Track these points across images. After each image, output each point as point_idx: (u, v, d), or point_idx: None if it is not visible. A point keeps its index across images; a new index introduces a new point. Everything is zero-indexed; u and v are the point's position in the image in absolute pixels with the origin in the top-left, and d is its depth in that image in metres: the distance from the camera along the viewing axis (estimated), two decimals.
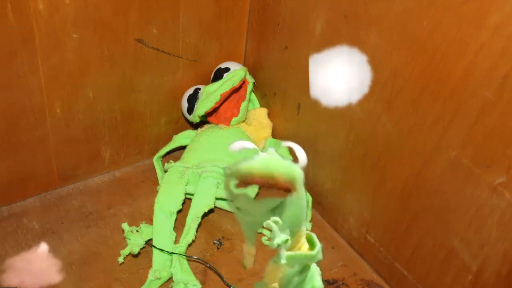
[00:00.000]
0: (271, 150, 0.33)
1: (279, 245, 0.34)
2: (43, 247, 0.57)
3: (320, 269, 0.40)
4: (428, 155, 0.48)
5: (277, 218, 0.34)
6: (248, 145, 0.35)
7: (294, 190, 0.34)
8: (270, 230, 0.35)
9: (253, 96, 0.72)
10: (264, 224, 0.35)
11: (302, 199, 0.35)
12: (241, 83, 0.66)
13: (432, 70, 0.46)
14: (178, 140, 0.70)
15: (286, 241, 0.34)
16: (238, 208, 0.37)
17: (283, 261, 0.35)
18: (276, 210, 0.37)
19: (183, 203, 0.59)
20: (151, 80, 0.65)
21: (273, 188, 0.33)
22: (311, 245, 0.37)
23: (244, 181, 0.33)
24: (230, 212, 0.64)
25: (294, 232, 0.36)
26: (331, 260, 0.59)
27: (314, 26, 0.58)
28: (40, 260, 0.56)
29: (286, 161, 0.33)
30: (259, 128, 0.69)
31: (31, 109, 0.57)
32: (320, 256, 0.37)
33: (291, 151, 0.36)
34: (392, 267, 0.56)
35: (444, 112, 0.45)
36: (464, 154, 0.45)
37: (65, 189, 0.65)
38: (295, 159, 0.34)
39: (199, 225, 0.62)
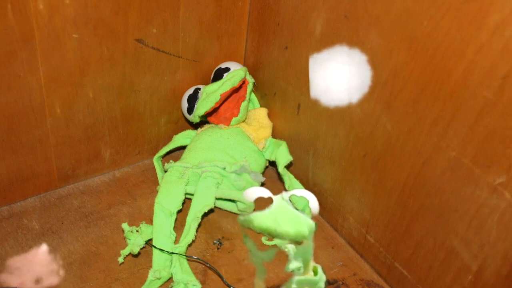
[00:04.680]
0: (285, 197, 0.34)
1: (292, 271, 0.36)
2: (43, 247, 0.57)
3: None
4: (428, 155, 0.48)
5: (293, 247, 0.36)
6: (263, 194, 0.36)
7: (304, 242, 0.34)
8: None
9: (253, 96, 0.72)
10: (282, 247, 0.36)
11: (310, 247, 0.36)
12: (241, 83, 0.66)
13: (432, 70, 0.46)
14: (178, 140, 0.70)
15: (299, 268, 0.36)
16: (251, 251, 0.38)
17: (294, 286, 0.37)
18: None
19: (183, 203, 0.59)
20: (151, 80, 0.65)
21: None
22: (316, 274, 0.39)
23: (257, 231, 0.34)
24: (230, 212, 0.64)
25: (305, 270, 0.37)
26: (331, 260, 0.59)
27: (314, 26, 0.58)
28: (40, 260, 0.56)
29: (297, 217, 0.33)
30: (259, 128, 0.69)
31: (31, 109, 0.57)
32: (322, 284, 0.38)
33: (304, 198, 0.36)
34: (392, 267, 0.56)
35: (444, 112, 0.45)
36: (464, 154, 0.45)
37: (65, 189, 0.65)
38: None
39: (199, 225, 0.62)
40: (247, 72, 0.68)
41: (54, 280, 0.54)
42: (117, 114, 0.65)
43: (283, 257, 0.37)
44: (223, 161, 0.62)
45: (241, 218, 0.34)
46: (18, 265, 0.55)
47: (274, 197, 0.34)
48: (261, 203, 0.36)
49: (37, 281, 0.53)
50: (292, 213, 0.33)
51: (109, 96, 0.63)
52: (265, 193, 0.36)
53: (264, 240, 0.60)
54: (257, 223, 0.33)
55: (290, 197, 0.36)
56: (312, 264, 0.38)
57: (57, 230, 0.60)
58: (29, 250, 0.57)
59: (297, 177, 0.66)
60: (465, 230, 0.46)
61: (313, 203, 0.35)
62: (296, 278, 0.37)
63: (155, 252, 0.55)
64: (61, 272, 0.55)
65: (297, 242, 0.34)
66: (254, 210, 0.35)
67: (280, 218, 0.33)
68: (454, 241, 0.48)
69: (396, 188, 0.53)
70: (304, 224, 0.33)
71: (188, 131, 0.71)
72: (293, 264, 0.36)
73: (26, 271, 0.54)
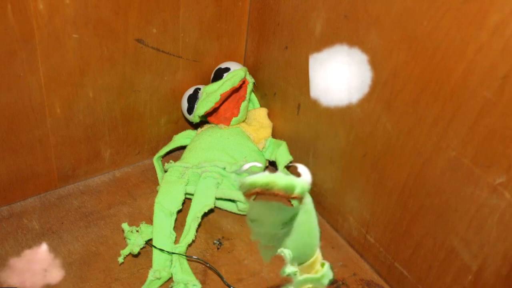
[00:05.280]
0: (278, 172, 0.35)
1: (288, 275, 0.37)
2: (43, 247, 0.57)
3: None
4: (428, 155, 0.48)
5: (289, 251, 0.37)
6: (256, 164, 0.38)
7: (299, 199, 0.35)
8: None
9: (253, 96, 0.72)
10: (278, 251, 0.37)
11: (310, 216, 0.36)
12: (241, 83, 0.66)
13: (432, 70, 0.46)
14: (178, 140, 0.70)
15: (295, 273, 0.37)
16: (251, 220, 0.38)
17: (291, 287, 0.38)
18: (287, 225, 0.38)
19: (183, 203, 0.59)
20: (151, 80, 0.65)
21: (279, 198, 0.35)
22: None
23: (250, 193, 0.35)
24: (230, 212, 0.64)
25: (306, 255, 0.37)
26: (331, 260, 0.59)
27: (314, 26, 0.58)
28: (40, 260, 0.56)
29: (288, 176, 0.34)
30: (259, 128, 0.69)
31: (31, 109, 0.57)
32: (325, 281, 0.39)
33: (296, 170, 0.37)
34: (392, 267, 0.56)
35: (444, 112, 0.45)
36: (464, 154, 0.45)
37: (65, 189, 0.65)
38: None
39: (199, 225, 0.62)
40: (247, 72, 0.68)
41: (54, 280, 0.54)
42: (117, 114, 0.65)
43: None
44: (223, 161, 0.62)
45: (238, 183, 0.35)
46: (18, 265, 0.55)
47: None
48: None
49: (37, 280, 0.53)
50: (283, 174, 0.34)
51: (109, 96, 0.63)
52: (258, 164, 0.38)
53: None
54: (250, 180, 0.34)
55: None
56: (320, 258, 0.38)
57: (57, 230, 0.60)
58: (29, 250, 0.57)
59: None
60: (465, 230, 0.46)
61: (304, 172, 0.36)
62: (296, 280, 0.37)
63: (155, 252, 0.55)
64: (61, 272, 0.55)
65: (289, 196, 0.34)
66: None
67: (273, 175, 0.34)
68: (454, 241, 0.48)
69: (396, 188, 0.53)
70: (295, 180, 0.34)
71: (188, 131, 0.71)
72: (289, 268, 0.37)
73: (26, 271, 0.54)
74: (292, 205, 0.38)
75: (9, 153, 0.58)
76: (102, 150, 0.66)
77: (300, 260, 0.38)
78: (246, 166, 0.37)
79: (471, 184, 0.45)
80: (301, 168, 0.36)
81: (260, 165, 0.38)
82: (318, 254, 0.39)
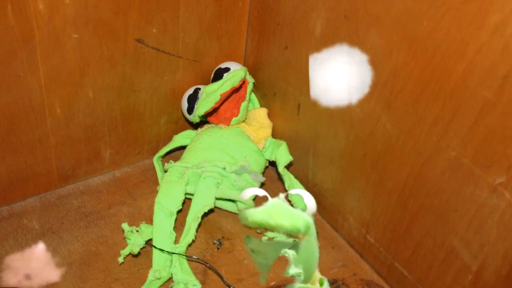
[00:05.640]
0: (281, 197, 0.34)
1: (292, 276, 0.37)
2: (43, 247, 0.57)
3: (320, 271, 0.40)
4: (428, 155, 0.48)
5: (293, 252, 0.36)
6: (258, 192, 0.36)
7: (302, 238, 0.35)
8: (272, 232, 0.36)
9: (253, 96, 0.72)
10: (282, 251, 0.36)
11: (312, 246, 0.36)
12: (241, 83, 0.66)
13: (432, 70, 0.46)
14: (178, 140, 0.70)
15: (299, 274, 0.36)
16: (252, 250, 0.38)
17: None
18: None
19: (183, 203, 0.59)
20: (151, 80, 0.65)
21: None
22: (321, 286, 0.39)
23: (253, 228, 0.34)
24: (230, 212, 0.64)
25: (307, 278, 0.37)
26: (331, 260, 0.59)
27: (314, 26, 0.58)
28: (39, 260, 0.56)
29: (292, 212, 0.34)
30: (259, 128, 0.69)
31: (31, 109, 0.57)
32: None
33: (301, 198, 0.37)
34: (392, 267, 0.56)
35: (444, 112, 0.45)
36: (464, 154, 0.45)
37: (65, 189, 0.65)
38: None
39: (199, 225, 0.62)
40: (247, 72, 0.68)
41: (53, 280, 0.54)
42: (117, 114, 0.65)
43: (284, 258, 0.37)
44: (223, 161, 0.62)
45: (239, 216, 0.34)
46: (18, 265, 0.54)
47: (271, 198, 0.34)
48: (258, 202, 0.36)
49: (36, 280, 0.53)
50: (287, 208, 0.33)
51: (109, 96, 0.63)
52: (261, 192, 0.37)
53: (264, 240, 0.60)
54: (251, 217, 0.33)
55: (288, 196, 0.36)
56: (318, 275, 0.38)
57: (57, 230, 0.60)
58: (29, 250, 0.57)
59: (297, 177, 0.66)
60: (465, 230, 0.46)
61: (308, 200, 0.35)
62: (297, 286, 0.37)
63: (155, 252, 0.55)
64: (61, 272, 0.55)
65: (294, 236, 0.34)
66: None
67: (275, 213, 0.33)
68: (454, 241, 0.48)
69: (396, 188, 0.53)
70: (299, 219, 0.33)
71: (188, 131, 0.71)
72: (293, 269, 0.36)
73: (25, 271, 0.54)
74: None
75: (9, 153, 0.58)
76: (102, 150, 0.66)
77: (301, 281, 0.38)
78: (248, 194, 0.36)
79: (471, 184, 0.45)
80: (307, 198, 0.35)
81: (262, 194, 0.37)
82: (317, 272, 0.39)
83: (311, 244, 0.37)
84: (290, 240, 0.37)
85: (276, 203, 0.34)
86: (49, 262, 0.56)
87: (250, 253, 0.39)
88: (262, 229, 0.33)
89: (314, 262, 0.38)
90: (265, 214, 0.33)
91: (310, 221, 0.33)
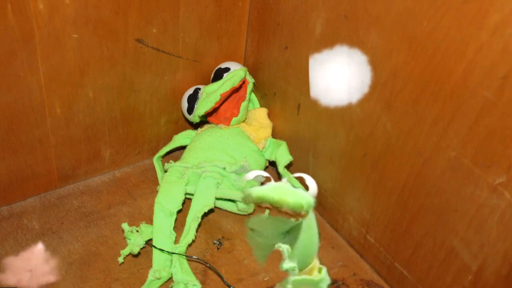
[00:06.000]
0: (284, 180, 0.35)
1: (286, 270, 0.37)
2: (43, 247, 0.57)
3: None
4: (428, 155, 0.48)
5: (288, 247, 0.36)
6: (262, 173, 0.37)
7: (303, 217, 0.35)
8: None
9: (253, 96, 0.72)
10: (276, 246, 0.37)
11: (312, 229, 0.36)
12: (241, 83, 0.66)
13: (432, 70, 0.46)
14: (178, 140, 0.70)
15: (293, 268, 0.37)
16: (252, 229, 0.38)
17: (289, 286, 0.37)
18: (288, 235, 0.38)
19: (183, 203, 0.59)
20: (151, 80, 0.65)
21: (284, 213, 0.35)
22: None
23: (256, 205, 0.35)
24: (230, 212, 0.64)
25: (306, 263, 0.37)
26: (331, 260, 0.59)
27: (314, 26, 0.58)
28: (39, 260, 0.56)
29: (296, 190, 0.34)
30: (259, 128, 0.69)
31: (31, 109, 0.57)
32: (323, 285, 0.39)
33: (302, 180, 0.37)
34: (392, 267, 0.56)
35: (444, 112, 0.45)
36: (464, 154, 0.45)
37: (65, 189, 0.65)
38: (306, 189, 0.36)
39: (199, 225, 0.62)
40: (247, 72, 0.68)
41: (53, 280, 0.54)
42: (117, 114, 0.65)
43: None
44: (223, 161, 0.62)
45: (243, 195, 0.34)
46: (18, 265, 0.54)
47: (273, 181, 0.35)
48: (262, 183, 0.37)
49: (36, 280, 0.53)
50: (291, 188, 0.34)
51: (109, 96, 0.63)
52: (264, 173, 0.37)
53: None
54: (256, 193, 0.33)
55: (289, 179, 0.36)
56: (317, 264, 0.38)
57: (57, 230, 0.60)
58: (29, 250, 0.57)
59: None
60: (465, 230, 0.46)
61: (310, 182, 0.36)
62: (293, 277, 0.37)
63: (155, 252, 0.55)
64: (61, 272, 0.55)
65: (296, 215, 0.34)
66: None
67: (279, 189, 0.34)
68: (454, 241, 0.48)
69: (396, 188, 0.53)
70: (302, 197, 0.34)
71: (188, 131, 0.71)
72: (288, 264, 0.37)
73: (25, 271, 0.54)
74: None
75: (9, 153, 0.58)
76: (102, 150, 0.66)
77: (299, 267, 0.38)
78: (251, 175, 0.37)
79: (471, 184, 0.45)
80: (309, 180, 0.35)
81: (266, 174, 0.38)
82: (316, 260, 0.39)
83: (311, 228, 0.37)
84: (292, 219, 0.37)
85: (280, 183, 0.34)
86: (49, 262, 0.56)
87: (249, 235, 0.39)
88: (266, 204, 0.33)
89: (313, 247, 0.38)
90: (269, 190, 0.33)
91: (312, 201, 0.34)
